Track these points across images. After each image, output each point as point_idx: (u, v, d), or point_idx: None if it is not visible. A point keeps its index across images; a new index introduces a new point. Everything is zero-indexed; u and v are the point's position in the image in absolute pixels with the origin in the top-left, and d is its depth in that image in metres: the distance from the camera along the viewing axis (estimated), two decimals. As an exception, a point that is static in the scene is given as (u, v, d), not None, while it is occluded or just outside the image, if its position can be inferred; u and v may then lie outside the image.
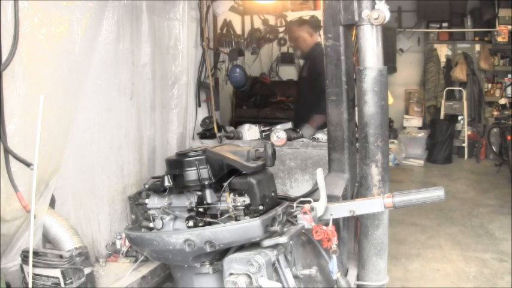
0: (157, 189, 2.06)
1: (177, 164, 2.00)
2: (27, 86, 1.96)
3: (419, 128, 8.90)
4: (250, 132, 3.48)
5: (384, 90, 2.01)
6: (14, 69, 1.89)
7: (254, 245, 1.83)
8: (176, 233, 1.86)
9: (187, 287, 2.02)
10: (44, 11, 2.03)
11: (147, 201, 2.10)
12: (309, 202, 1.93)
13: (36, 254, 1.93)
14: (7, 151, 1.88)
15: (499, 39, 8.41)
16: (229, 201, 1.94)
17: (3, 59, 1.82)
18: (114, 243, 2.48)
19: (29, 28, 1.96)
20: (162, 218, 2.03)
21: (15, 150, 1.90)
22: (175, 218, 2.04)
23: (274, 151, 2.00)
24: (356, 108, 2.16)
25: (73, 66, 2.24)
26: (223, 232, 1.80)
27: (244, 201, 1.92)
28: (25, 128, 1.95)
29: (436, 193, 1.77)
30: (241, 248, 1.87)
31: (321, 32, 4.56)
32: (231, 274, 1.76)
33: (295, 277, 1.90)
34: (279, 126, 3.58)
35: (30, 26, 1.96)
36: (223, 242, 1.80)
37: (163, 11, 3.08)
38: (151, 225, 2.06)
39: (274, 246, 1.80)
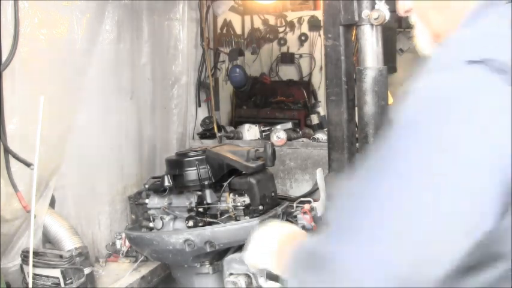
0: (158, 189, 2.06)
1: (177, 164, 2.00)
2: (27, 86, 1.96)
3: (420, 128, 8.88)
4: (250, 132, 3.48)
5: (384, 90, 2.01)
6: (14, 69, 1.89)
7: (254, 245, 1.83)
8: (176, 233, 1.87)
9: (188, 287, 2.02)
10: (44, 11, 2.03)
11: (147, 201, 2.10)
12: (309, 202, 1.93)
13: (36, 254, 1.92)
14: (7, 151, 1.88)
15: (499, 39, 8.42)
16: (229, 201, 1.95)
17: (3, 59, 1.82)
18: (114, 243, 2.47)
19: (29, 28, 1.96)
20: (162, 218, 2.03)
21: (15, 150, 1.90)
22: (175, 218, 2.04)
23: (274, 151, 2.00)
24: (356, 108, 2.16)
25: (73, 66, 2.24)
26: (223, 232, 1.80)
27: (244, 201, 1.93)
28: (25, 128, 1.95)
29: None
30: (241, 248, 1.87)
31: (321, 32, 4.56)
32: (231, 274, 1.76)
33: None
34: (279, 126, 3.58)
35: (30, 26, 1.96)
36: (223, 242, 1.80)
37: (163, 11, 3.08)
38: (151, 225, 2.06)
39: (274, 246, 1.80)
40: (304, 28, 4.94)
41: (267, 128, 3.62)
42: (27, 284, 1.93)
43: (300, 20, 4.93)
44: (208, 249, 1.81)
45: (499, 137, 0.60)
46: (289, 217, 1.99)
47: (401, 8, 0.82)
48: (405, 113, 0.66)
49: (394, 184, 0.64)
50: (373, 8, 1.95)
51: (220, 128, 3.49)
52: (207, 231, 1.81)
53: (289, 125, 3.70)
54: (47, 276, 1.93)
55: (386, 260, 0.62)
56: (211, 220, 1.92)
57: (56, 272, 1.92)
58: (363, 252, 0.63)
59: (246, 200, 1.91)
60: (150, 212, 2.10)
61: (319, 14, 4.79)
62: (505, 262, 0.64)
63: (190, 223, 1.92)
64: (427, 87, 0.65)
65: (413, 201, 0.62)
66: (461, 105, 0.62)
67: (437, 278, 0.63)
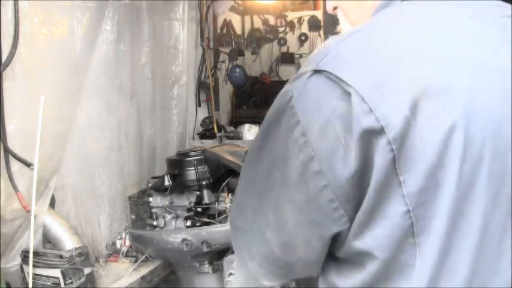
0: (160, 188, 2.07)
1: (176, 164, 2.01)
2: (27, 86, 1.96)
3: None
4: (250, 132, 3.48)
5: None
6: (14, 69, 1.89)
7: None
8: (174, 233, 1.88)
9: (189, 286, 2.03)
10: (44, 11, 2.03)
11: (150, 199, 2.11)
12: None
13: (36, 254, 1.93)
14: (7, 151, 1.88)
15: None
16: (227, 201, 1.95)
17: (3, 59, 1.82)
18: (114, 243, 2.48)
19: (29, 28, 1.96)
20: (163, 217, 2.04)
21: (15, 150, 1.91)
22: (177, 216, 2.04)
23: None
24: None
25: (73, 66, 2.24)
26: (219, 232, 1.81)
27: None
28: (25, 128, 1.95)
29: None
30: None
31: (321, 32, 4.56)
32: (231, 274, 1.76)
33: (295, 277, 1.90)
34: (278, 126, 3.58)
35: (30, 26, 1.97)
36: (219, 242, 1.81)
37: (163, 11, 3.08)
38: (155, 223, 2.08)
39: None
40: (304, 28, 4.94)
41: (267, 128, 3.62)
42: (27, 284, 1.93)
43: (300, 20, 4.93)
44: (205, 249, 1.81)
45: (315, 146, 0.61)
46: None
47: (329, 7, 0.85)
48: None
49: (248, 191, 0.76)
50: (372, 8, 1.95)
51: (220, 128, 3.49)
52: (204, 232, 1.82)
53: (289, 125, 3.69)
54: (47, 276, 1.93)
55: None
56: (208, 220, 1.93)
57: (56, 272, 1.92)
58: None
59: (245, 200, 1.92)
60: (153, 210, 2.12)
61: (319, 14, 4.78)
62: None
63: (188, 223, 1.93)
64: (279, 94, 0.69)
65: (265, 208, 0.71)
66: (290, 110, 0.65)
67: (311, 260, 0.70)
